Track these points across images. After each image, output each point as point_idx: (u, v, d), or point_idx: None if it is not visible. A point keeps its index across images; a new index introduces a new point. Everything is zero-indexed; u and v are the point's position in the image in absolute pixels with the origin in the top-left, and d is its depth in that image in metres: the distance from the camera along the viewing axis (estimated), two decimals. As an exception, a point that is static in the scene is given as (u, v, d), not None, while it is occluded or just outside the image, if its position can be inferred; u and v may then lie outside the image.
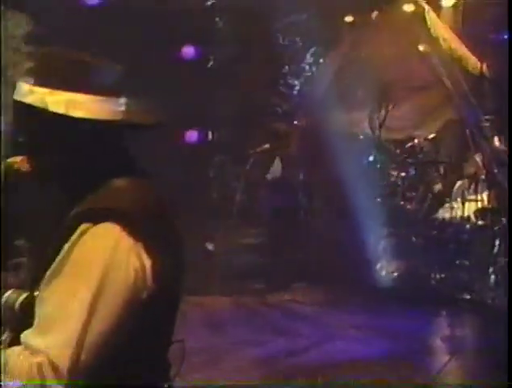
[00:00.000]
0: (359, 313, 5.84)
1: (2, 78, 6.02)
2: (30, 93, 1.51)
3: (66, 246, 1.46)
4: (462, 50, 6.39)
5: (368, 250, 6.50)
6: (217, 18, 7.37)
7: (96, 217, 1.46)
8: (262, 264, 6.60)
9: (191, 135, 7.62)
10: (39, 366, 1.36)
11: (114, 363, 1.48)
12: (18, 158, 2.19)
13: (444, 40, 6.36)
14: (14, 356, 1.40)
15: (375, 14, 6.63)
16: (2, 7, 5.77)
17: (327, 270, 6.45)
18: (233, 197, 6.75)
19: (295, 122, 7.32)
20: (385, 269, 6.46)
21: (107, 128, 1.55)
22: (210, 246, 7.06)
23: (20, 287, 1.67)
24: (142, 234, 1.48)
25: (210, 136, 7.85)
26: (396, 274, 6.47)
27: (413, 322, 5.56)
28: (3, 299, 1.58)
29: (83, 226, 1.46)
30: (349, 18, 6.96)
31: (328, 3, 6.69)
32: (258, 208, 7.13)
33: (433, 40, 6.45)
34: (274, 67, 7.25)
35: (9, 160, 2.19)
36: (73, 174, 1.58)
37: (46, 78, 1.51)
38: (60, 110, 1.48)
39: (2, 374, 1.39)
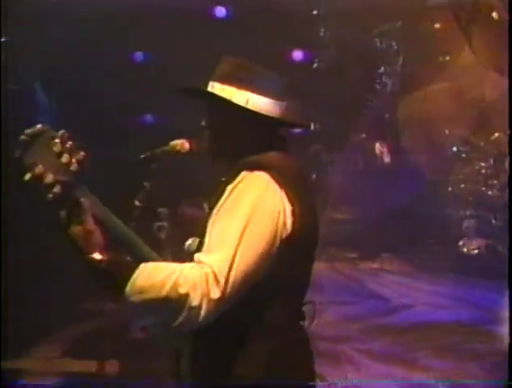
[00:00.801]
0: (442, 283, 5.83)
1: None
2: (221, 90, 1.75)
3: (229, 188, 1.62)
4: None
5: (452, 227, 6.47)
6: (321, 25, 7.49)
7: (252, 167, 1.62)
8: (354, 236, 6.68)
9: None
10: (206, 276, 1.47)
11: (254, 294, 1.56)
12: (179, 141, 2.45)
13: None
14: (188, 268, 1.49)
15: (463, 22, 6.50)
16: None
17: (413, 243, 6.47)
18: (329, 181, 6.94)
19: (387, 115, 7.33)
20: (467, 246, 6.40)
21: (269, 122, 1.76)
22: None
23: (161, 245, 1.89)
24: (285, 184, 1.62)
25: (312, 127, 7.95)
26: (476, 251, 6.39)
27: (491, 293, 5.50)
28: (187, 244, 1.80)
29: (243, 173, 1.62)
30: (437, 26, 6.92)
31: (419, 12, 6.70)
32: (349, 189, 7.22)
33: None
34: (370, 67, 7.30)
35: (172, 143, 2.45)
36: (236, 152, 1.76)
37: (234, 79, 1.76)
38: (241, 103, 1.72)
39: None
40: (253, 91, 1.74)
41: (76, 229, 1.48)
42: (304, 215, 1.64)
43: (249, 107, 1.73)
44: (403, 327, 4.89)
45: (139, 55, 7.43)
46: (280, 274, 1.61)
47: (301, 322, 1.75)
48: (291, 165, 1.73)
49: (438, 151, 6.91)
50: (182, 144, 2.41)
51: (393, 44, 7.17)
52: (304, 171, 1.80)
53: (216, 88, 1.76)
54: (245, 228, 1.53)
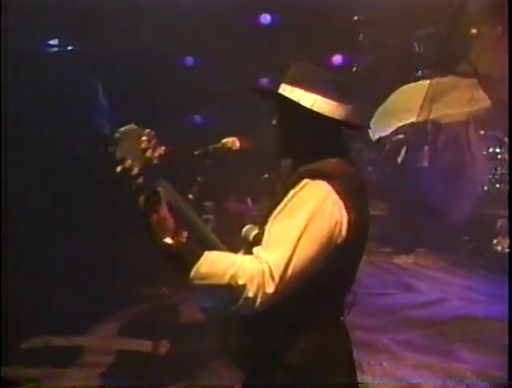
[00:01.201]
0: (476, 279, 5.73)
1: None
2: (290, 92, 1.75)
3: (291, 192, 1.63)
4: None
5: (487, 226, 6.33)
6: (361, 30, 7.43)
7: (315, 175, 1.63)
8: (390, 231, 6.61)
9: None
10: (263, 271, 1.50)
11: (308, 291, 1.59)
12: (230, 139, 2.46)
13: None
14: (247, 261, 1.53)
15: (499, 28, 6.30)
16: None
17: (448, 240, 6.36)
18: (368, 178, 6.88)
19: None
20: (500, 245, 6.25)
21: (333, 124, 1.75)
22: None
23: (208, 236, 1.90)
24: (344, 194, 1.63)
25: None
26: (508, 250, 6.24)
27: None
28: (243, 231, 1.83)
29: (305, 180, 1.63)
30: (474, 30, 6.72)
31: (457, 18, 6.55)
32: (387, 187, 7.14)
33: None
34: (408, 71, 7.19)
35: (223, 140, 2.46)
36: (300, 151, 1.78)
37: (303, 82, 1.75)
38: (308, 105, 1.73)
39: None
40: (320, 94, 1.73)
41: (152, 216, 1.56)
42: (358, 222, 1.66)
43: (315, 109, 1.73)
44: (437, 320, 4.82)
45: (189, 60, 7.57)
46: (331, 273, 1.63)
47: (342, 317, 1.77)
48: (350, 173, 1.74)
49: (474, 152, 6.75)
50: (232, 141, 2.41)
51: (431, 47, 7.03)
52: (360, 177, 1.80)
53: (286, 90, 1.76)
54: (302, 232, 1.56)
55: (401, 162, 7.17)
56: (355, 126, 1.87)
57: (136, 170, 1.56)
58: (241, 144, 2.45)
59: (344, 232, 1.63)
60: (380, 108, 6.51)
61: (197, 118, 7.61)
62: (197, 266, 1.52)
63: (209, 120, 7.35)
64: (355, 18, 7.30)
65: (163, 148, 1.62)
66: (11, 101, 6.84)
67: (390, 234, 6.57)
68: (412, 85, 6.84)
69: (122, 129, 1.61)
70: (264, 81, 7.29)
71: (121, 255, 5.78)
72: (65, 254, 5.93)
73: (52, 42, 7.79)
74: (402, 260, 6.37)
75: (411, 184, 6.98)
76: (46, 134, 6.82)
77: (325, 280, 1.62)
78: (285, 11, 7.00)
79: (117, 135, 1.59)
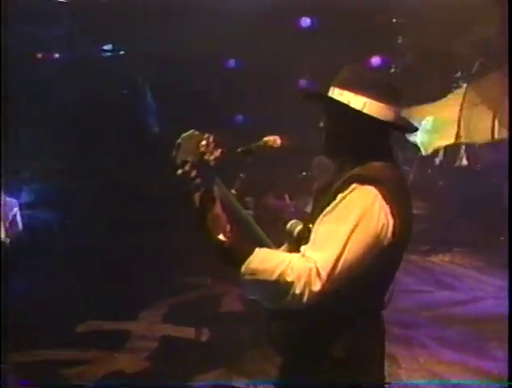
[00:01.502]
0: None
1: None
2: (340, 95, 1.73)
3: (340, 196, 1.63)
4: None
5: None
6: (400, 32, 7.32)
7: (363, 180, 1.63)
8: (427, 230, 6.49)
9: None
10: (310, 269, 1.52)
11: (353, 289, 1.59)
12: (271, 137, 2.45)
13: None
14: (296, 259, 1.55)
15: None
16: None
17: (485, 239, 6.20)
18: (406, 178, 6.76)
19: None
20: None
21: (381, 126, 1.72)
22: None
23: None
24: (390, 200, 1.63)
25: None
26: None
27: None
28: (288, 225, 1.84)
29: (353, 185, 1.63)
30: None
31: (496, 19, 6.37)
32: (425, 187, 7.02)
33: None
34: (447, 72, 7.04)
35: (265, 138, 2.46)
36: (347, 153, 1.76)
37: (353, 85, 1.73)
38: (358, 107, 1.70)
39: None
40: (369, 97, 1.70)
41: (207, 214, 1.61)
42: (403, 226, 1.65)
43: (365, 111, 1.71)
44: (472, 318, 4.71)
45: (231, 62, 7.64)
46: (375, 272, 1.63)
47: (381, 311, 1.77)
48: (396, 177, 1.72)
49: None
50: (274, 140, 2.40)
51: (469, 49, 6.86)
52: (405, 180, 1.79)
53: (336, 93, 1.74)
54: (350, 234, 1.57)
55: (440, 163, 7.04)
56: (404, 128, 1.84)
57: (194, 173, 1.61)
58: (281, 142, 2.44)
59: (390, 235, 1.62)
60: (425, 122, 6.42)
61: (239, 117, 7.68)
62: (248, 262, 1.55)
63: (251, 119, 7.40)
64: (394, 20, 7.19)
65: (220, 150, 1.65)
66: (70, 101, 7.05)
67: (427, 233, 6.43)
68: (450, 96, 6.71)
69: (184, 135, 1.64)
70: (303, 82, 7.28)
71: (169, 248, 5.91)
72: (119, 245, 6.16)
73: (105, 47, 8.03)
74: (439, 259, 6.26)
75: (449, 183, 6.84)
76: (100, 133, 7.02)
77: (370, 278, 1.63)
78: (324, 14, 6.97)
79: (179, 140, 1.63)
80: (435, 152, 6.97)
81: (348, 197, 1.62)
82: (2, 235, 5.83)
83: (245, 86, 7.08)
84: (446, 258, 6.25)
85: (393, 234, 1.62)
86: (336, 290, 1.55)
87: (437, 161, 6.97)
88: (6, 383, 3.69)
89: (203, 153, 1.62)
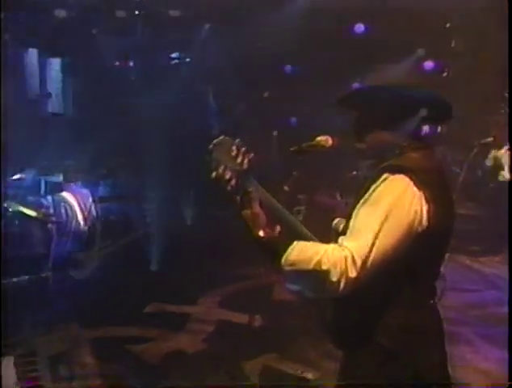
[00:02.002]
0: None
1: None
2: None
3: (373, 186, 1.65)
4: None
5: None
6: (453, 37, 7.07)
7: (394, 170, 1.64)
8: (478, 231, 6.26)
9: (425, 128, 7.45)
10: (345, 257, 1.55)
11: (392, 274, 1.59)
12: (323, 137, 2.45)
13: None
14: (331, 249, 1.58)
15: None
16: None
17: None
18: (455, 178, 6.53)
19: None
20: None
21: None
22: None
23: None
24: (423, 186, 1.62)
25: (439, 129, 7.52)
26: None
27: None
28: (334, 223, 1.89)
29: (385, 175, 1.64)
30: None
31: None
32: (475, 188, 6.76)
33: None
34: (503, 76, 6.72)
35: (317, 138, 2.46)
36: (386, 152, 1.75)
37: None
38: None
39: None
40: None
41: (246, 212, 1.67)
42: (439, 212, 1.63)
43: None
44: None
45: (288, 67, 7.67)
46: (415, 259, 1.62)
47: (432, 301, 1.73)
48: (430, 166, 1.71)
49: None
50: (326, 139, 2.40)
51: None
52: (442, 169, 1.76)
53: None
54: (383, 222, 1.57)
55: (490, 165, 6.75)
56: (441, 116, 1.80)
57: (228, 175, 1.66)
58: (333, 142, 2.44)
59: (425, 221, 1.61)
60: None
61: (293, 119, 7.72)
62: (286, 254, 1.60)
63: (304, 121, 7.42)
64: (448, 25, 6.96)
65: (252, 154, 1.70)
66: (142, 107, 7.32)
67: (477, 234, 6.24)
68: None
69: (215, 141, 1.70)
70: (356, 85, 7.18)
71: (228, 241, 6.04)
72: (185, 235, 6.37)
73: (173, 55, 8.31)
74: (488, 259, 6.02)
75: (499, 184, 6.56)
76: (166, 135, 7.24)
77: (410, 265, 1.61)
78: (378, 20, 6.84)
79: (211, 146, 1.69)
80: (485, 153, 6.69)
81: (380, 187, 1.63)
82: (82, 223, 6.19)
83: (300, 89, 7.10)
84: (496, 258, 6.00)
85: (429, 219, 1.60)
86: (375, 278, 1.54)
87: (487, 163, 6.69)
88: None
89: (236, 157, 1.67)
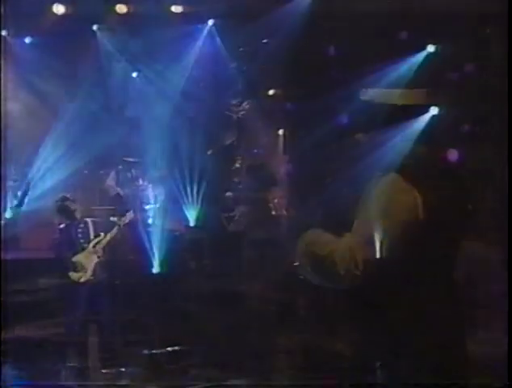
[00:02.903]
0: None
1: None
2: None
3: (370, 189, 1.68)
4: None
5: None
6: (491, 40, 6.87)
7: (387, 170, 1.67)
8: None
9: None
10: (351, 248, 1.61)
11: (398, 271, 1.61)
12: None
13: None
14: (343, 242, 1.65)
15: None
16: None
17: None
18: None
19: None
20: None
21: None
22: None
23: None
24: (415, 182, 1.64)
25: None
26: None
27: None
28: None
29: (378, 178, 1.68)
30: None
31: None
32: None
33: None
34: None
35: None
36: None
37: None
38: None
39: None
40: None
41: None
42: (435, 205, 1.63)
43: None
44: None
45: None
46: (421, 251, 1.64)
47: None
48: (426, 160, 1.71)
49: None
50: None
51: None
52: (438, 163, 1.77)
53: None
54: (380, 219, 1.60)
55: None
56: None
57: None
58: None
59: (421, 213, 1.61)
60: None
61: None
62: (308, 232, 1.70)
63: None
64: (488, 31, 6.78)
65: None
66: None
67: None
68: None
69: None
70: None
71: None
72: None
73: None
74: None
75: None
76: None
77: (418, 251, 1.62)
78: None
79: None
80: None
81: (375, 189, 1.66)
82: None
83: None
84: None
85: (424, 211, 1.60)
86: (382, 272, 1.57)
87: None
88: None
89: None
